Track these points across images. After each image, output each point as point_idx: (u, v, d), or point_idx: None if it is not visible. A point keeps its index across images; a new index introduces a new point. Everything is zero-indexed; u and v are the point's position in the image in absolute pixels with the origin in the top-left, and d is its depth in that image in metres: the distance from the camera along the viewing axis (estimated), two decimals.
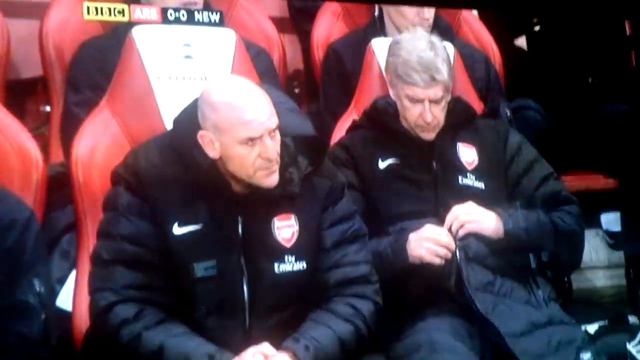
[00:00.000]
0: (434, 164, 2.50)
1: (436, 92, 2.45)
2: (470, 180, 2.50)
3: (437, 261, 2.33)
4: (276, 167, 2.09)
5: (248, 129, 2.03)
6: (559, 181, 2.59)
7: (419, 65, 2.44)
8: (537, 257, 2.44)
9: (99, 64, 2.80)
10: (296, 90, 3.54)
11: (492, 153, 2.56)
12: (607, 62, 3.73)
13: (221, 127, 2.05)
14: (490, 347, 2.24)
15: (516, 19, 4.10)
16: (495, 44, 3.45)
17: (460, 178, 2.49)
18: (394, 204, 2.47)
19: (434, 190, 2.48)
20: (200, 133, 2.08)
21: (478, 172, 2.51)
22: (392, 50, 2.55)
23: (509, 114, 3.03)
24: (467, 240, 2.38)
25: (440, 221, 2.41)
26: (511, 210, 2.43)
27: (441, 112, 2.49)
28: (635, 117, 3.39)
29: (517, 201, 2.47)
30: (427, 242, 2.33)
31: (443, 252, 2.32)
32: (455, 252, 2.34)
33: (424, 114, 2.46)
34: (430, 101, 2.46)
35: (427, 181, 2.48)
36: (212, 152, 2.08)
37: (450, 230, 2.37)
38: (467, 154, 2.54)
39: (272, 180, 2.09)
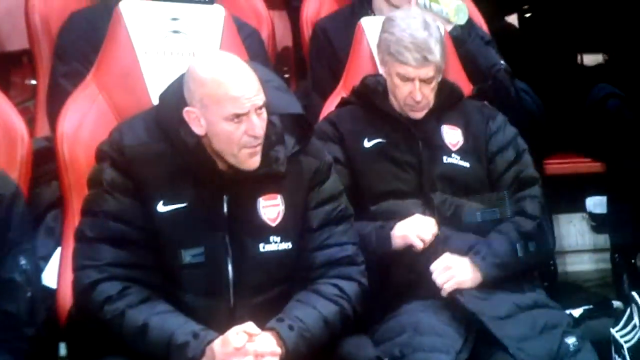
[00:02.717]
0: (419, 145, 2.50)
1: (427, 72, 2.45)
2: (454, 159, 2.50)
3: (419, 243, 2.33)
4: (259, 148, 2.07)
5: (234, 105, 2.01)
6: (528, 158, 2.55)
7: (412, 44, 2.43)
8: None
9: (87, 35, 2.77)
10: (286, 76, 3.51)
11: (477, 134, 2.56)
12: (597, 43, 3.72)
13: (207, 103, 2.02)
14: (474, 329, 2.24)
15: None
16: (486, 24, 3.43)
17: (444, 157, 2.50)
18: (378, 183, 2.47)
19: (418, 170, 2.48)
20: (187, 109, 2.05)
21: (462, 152, 2.51)
22: (386, 28, 2.54)
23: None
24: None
25: (424, 201, 2.42)
26: (479, 246, 2.35)
27: (431, 92, 2.49)
28: (629, 103, 3.39)
29: (504, 191, 2.46)
30: (413, 227, 2.35)
31: (427, 237, 2.33)
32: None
33: (414, 92, 2.46)
34: (421, 80, 2.45)
35: (412, 162, 2.49)
36: (198, 128, 2.06)
37: None
38: (452, 135, 2.54)
39: (253, 161, 2.07)
